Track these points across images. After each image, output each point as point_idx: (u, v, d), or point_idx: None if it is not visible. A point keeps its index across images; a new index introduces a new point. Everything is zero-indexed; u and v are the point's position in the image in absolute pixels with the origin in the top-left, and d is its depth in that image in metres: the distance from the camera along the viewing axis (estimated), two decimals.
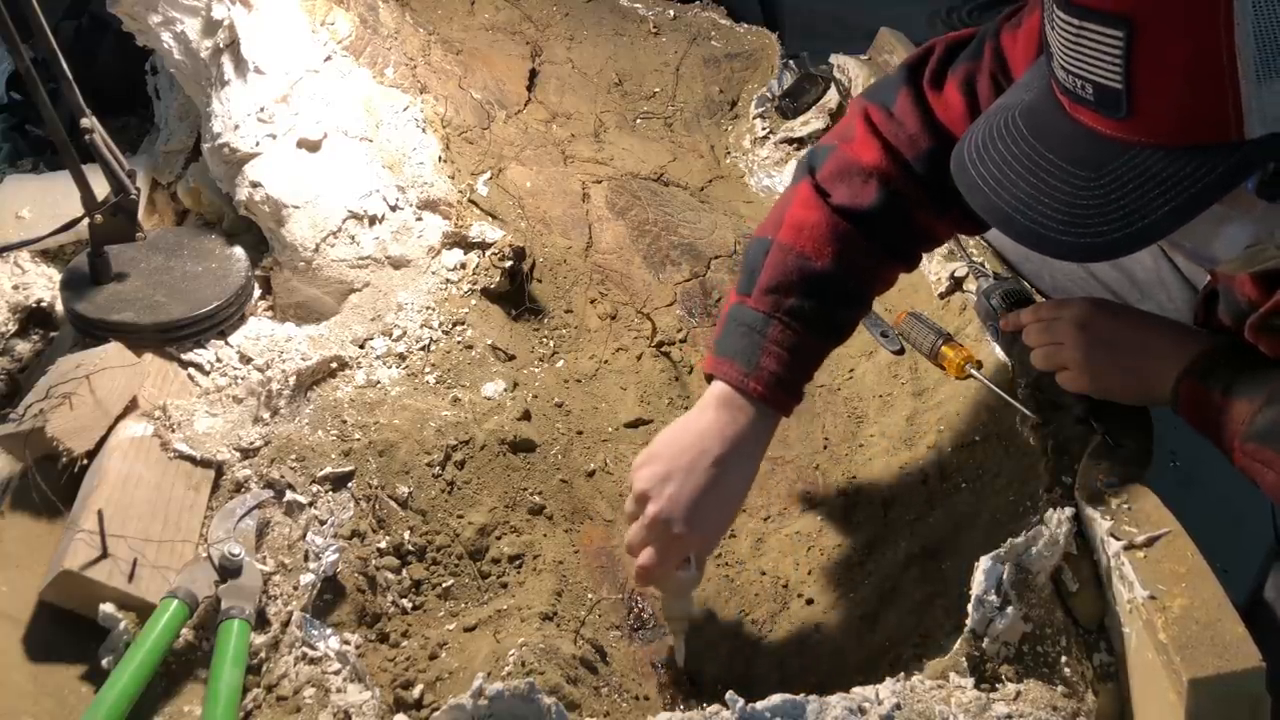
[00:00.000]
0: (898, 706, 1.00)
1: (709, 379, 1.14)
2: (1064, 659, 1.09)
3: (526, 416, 1.34)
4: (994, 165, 0.86)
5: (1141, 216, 0.79)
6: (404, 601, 1.16)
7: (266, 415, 1.26)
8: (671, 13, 2.12)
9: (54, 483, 1.11)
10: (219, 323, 1.35)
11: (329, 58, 1.57)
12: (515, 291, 1.49)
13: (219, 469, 1.20)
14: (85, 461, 1.14)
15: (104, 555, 1.03)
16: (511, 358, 1.42)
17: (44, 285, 1.43)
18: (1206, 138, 0.76)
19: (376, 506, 1.20)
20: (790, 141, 1.85)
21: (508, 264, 1.46)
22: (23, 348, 1.39)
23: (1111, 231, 0.80)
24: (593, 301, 1.56)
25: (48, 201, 1.49)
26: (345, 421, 1.26)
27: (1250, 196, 0.80)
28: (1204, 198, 0.78)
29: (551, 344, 1.49)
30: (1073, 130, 0.82)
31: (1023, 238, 0.84)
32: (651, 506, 1.08)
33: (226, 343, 1.35)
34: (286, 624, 1.06)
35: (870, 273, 1.18)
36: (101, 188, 1.28)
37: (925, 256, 1.51)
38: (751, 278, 1.15)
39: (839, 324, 1.17)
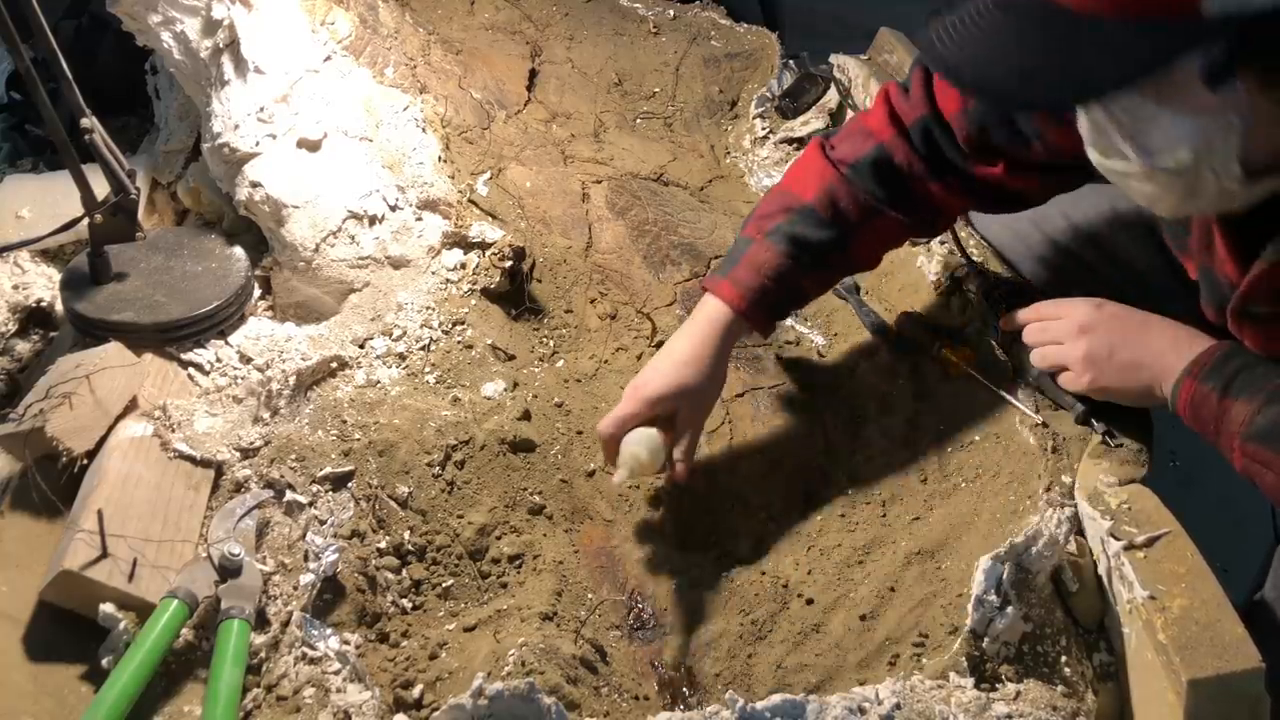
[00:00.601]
0: (898, 706, 1.00)
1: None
2: (1064, 659, 1.09)
3: (526, 416, 1.34)
4: (956, 28, 0.91)
5: (1084, 77, 0.84)
6: (404, 601, 1.16)
7: (266, 415, 1.26)
8: (671, 13, 2.11)
9: (54, 483, 1.11)
10: (219, 323, 1.35)
11: (329, 58, 1.57)
12: (515, 291, 1.49)
13: (219, 469, 1.20)
14: (85, 461, 1.14)
15: (104, 555, 1.03)
16: (511, 358, 1.42)
17: (44, 285, 1.43)
18: (1162, 11, 0.80)
19: (376, 506, 1.20)
20: (790, 141, 1.85)
21: (508, 264, 1.46)
22: (23, 348, 1.39)
23: (1053, 89, 0.86)
24: (593, 301, 1.56)
25: (48, 201, 1.49)
26: (345, 421, 1.26)
27: (1194, 87, 0.83)
28: (1148, 67, 0.82)
29: (551, 344, 1.49)
30: (1036, 2, 0.86)
31: (967, 89, 0.92)
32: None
33: (226, 343, 1.35)
34: (286, 624, 1.06)
35: (854, 216, 1.28)
36: (101, 188, 1.28)
37: (925, 256, 1.52)
38: (752, 213, 1.33)
39: (814, 249, 1.27)
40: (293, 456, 1.21)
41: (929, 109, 1.25)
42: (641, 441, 1.21)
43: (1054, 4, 0.85)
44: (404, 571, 1.18)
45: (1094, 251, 1.40)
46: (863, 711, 1.00)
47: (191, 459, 1.19)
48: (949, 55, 0.90)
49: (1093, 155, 0.98)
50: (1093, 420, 1.24)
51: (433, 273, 1.47)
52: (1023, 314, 1.29)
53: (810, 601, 1.21)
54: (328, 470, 1.21)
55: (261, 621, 1.07)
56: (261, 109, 1.45)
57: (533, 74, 1.90)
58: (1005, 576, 1.08)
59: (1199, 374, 1.09)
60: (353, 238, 1.44)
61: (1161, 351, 1.14)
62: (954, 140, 1.25)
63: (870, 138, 1.28)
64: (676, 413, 1.24)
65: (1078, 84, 0.85)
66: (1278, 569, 1.24)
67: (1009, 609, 1.08)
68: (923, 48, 0.95)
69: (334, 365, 1.33)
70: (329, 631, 1.07)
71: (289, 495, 1.18)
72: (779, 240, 1.27)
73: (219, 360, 1.32)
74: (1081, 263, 1.41)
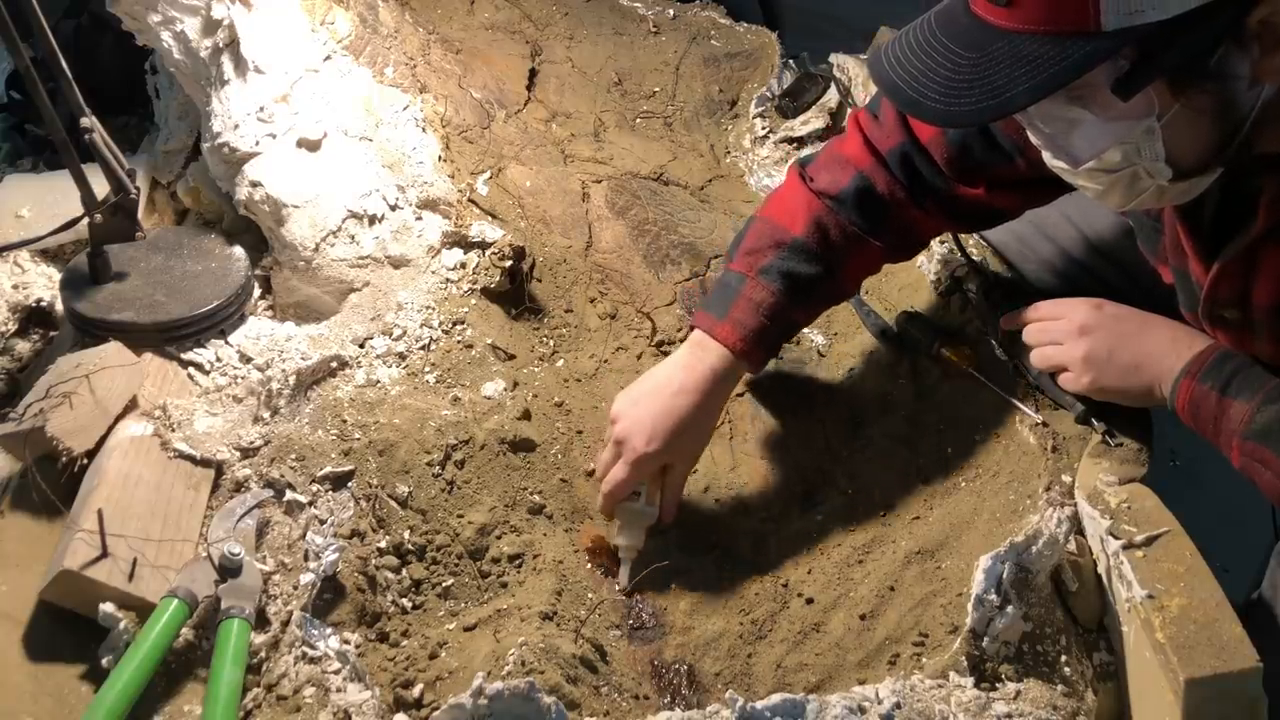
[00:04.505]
0: (897, 706, 1.00)
1: (691, 331, 1.31)
2: (1064, 658, 1.09)
3: (526, 416, 1.34)
4: (900, 50, 0.97)
5: (1004, 91, 0.89)
6: (404, 601, 1.16)
7: (266, 415, 1.26)
8: (671, 12, 2.11)
9: (54, 482, 1.11)
10: (219, 322, 1.35)
11: (329, 57, 1.57)
12: (515, 291, 1.49)
13: (219, 468, 1.20)
14: (85, 461, 1.14)
15: (104, 555, 1.03)
16: (511, 357, 1.42)
17: (44, 285, 1.43)
18: (1070, 26, 0.86)
19: (376, 506, 1.20)
20: (790, 141, 1.85)
21: (507, 263, 1.46)
22: (23, 347, 1.39)
23: (977, 102, 0.90)
24: (593, 301, 1.56)
25: (48, 201, 1.49)
26: (345, 421, 1.26)
27: (1106, 95, 0.89)
28: (1060, 78, 0.87)
29: (551, 343, 1.49)
30: (969, 22, 0.93)
31: (905, 106, 0.96)
32: (617, 427, 1.25)
33: (226, 342, 1.35)
34: (286, 623, 1.06)
35: (842, 248, 1.29)
36: (101, 187, 1.28)
37: (925, 256, 1.52)
38: (736, 246, 1.32)
39: (806, 284, 1.28)
40: (293, 456, 1.21)
41: (905, 135, 1.26)
42: (639, 525, 1.24)
43: (982, 20, 0.91)
44: (404, 571, 1.18)
45: (1100, 258, 1.40)
46: (863, 711, 1.00)
47: (191, 459, 1.19)
48: (892, 73, 0.95)
49: (1045, 157, 1.02)
50: (1093, 420, 1.24)
51: (433, 272, 1.47)
52: (1023, 314, 1.29)
53: (810, 601, 1.21)
54: (328, 470, 1.21)
55: (261, 621, 1.07)
56: (261, 109, 1.45)
57: (533, 73, 1.90)
58: (1005, 576, 1.08)
59: (1197, 374, 1.10)
60: (353, 237, 1.44)
61: (1161, 352, 1.14)
62: (933, 164, 1.27)
63: (849, 166, 1.29)
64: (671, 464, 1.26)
65: (999, 99, 0.89)
66: (1275, 569, 1.24)
67: (1009, 608, 1.08)
68: (871, 65, 0.99)
69: (334, 365, 1.33)
70: (329, 631, 1.07)
71: (289, 495, 1.18)
72: (773, 278, 1.27)
73: (219, 360, 1.33)
74: (1088, 269, 1.41)
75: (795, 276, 1.27)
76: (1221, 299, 1.06)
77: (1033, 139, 1.02)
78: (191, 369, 1.31)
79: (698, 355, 1.27)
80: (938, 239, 1.52)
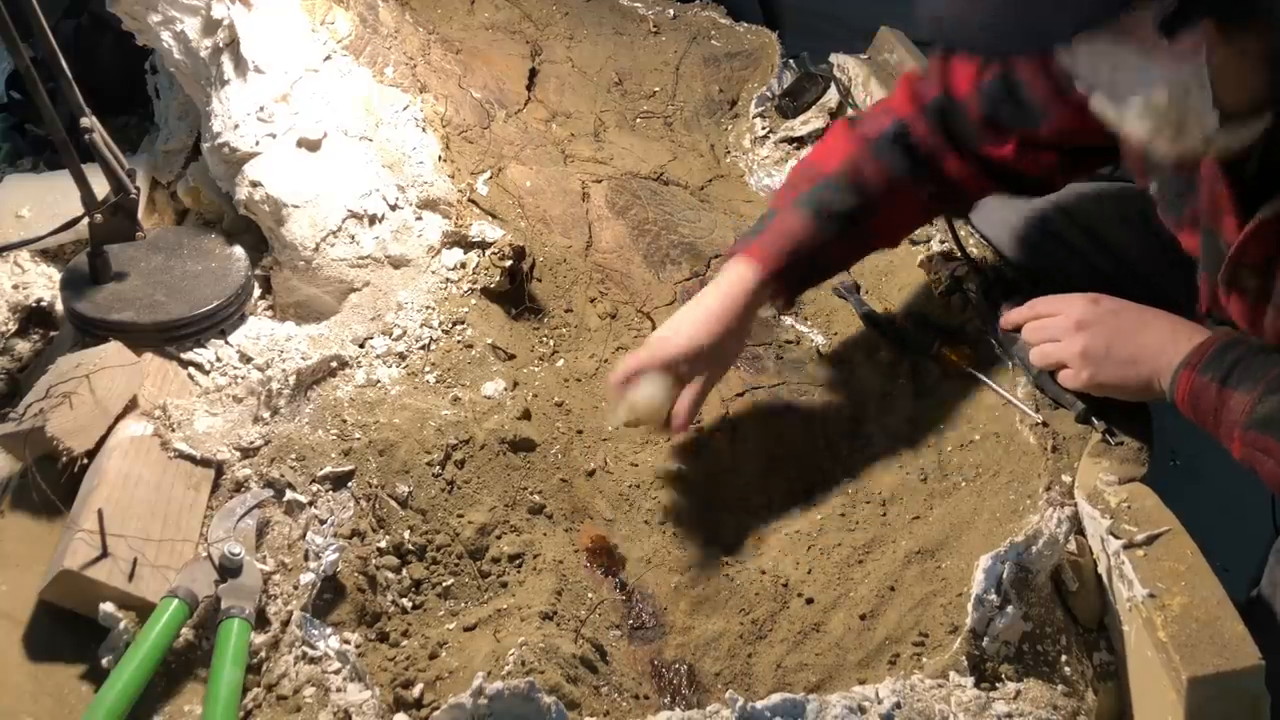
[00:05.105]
0: (897, 705, 1.00)
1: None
2: (1064, 658, 1.09)
3: (526, 416, 1.34)
4: None
5: (1042, 27, 0.90)
6: (404, 601, 1.16)
7: (266, 415, 1.26)
8: (671, 12, 2.11)
9: (54, 482, 1.11)
10: (219, 322, 1.35)
11: (329, 57, 1.57)
12: (515, 291, 1.49)
13: (219, 468, 1.20)
14: (85, 461, 1.14)
15: (104, 555, 1.03)
16: (511, 357, 1.42)
17: (44, 285, 1.44)
18: None
19: (376, 506, 1.20)
20: (790, 140, 1.85)
21: (508, 263, 1.46)
22: (23, 347, 1.39)
23: (1017, 38, 0.92)
24: (593, 301, 1.56)
25: (48, 201, 1.49)
26: (345, 421, 1.26)
27: (1153, 34, 0.88)
28: (1097, 16, 0.88)
29: (551, 343, 1.49)
30: None
31: (945, 41, 1.01)
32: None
33: (226, 342, 1.35)
34: (286, 623, 1.06)
35: (878, 188, 1.31)
36: (101, 187, 1.28)
37: (925, 254, 1.52)
38: (778, 189, 1.38)
39: (840, 217, 1.30)
40: (293, 456, 1.21)
41: (942, 91, 1.30)
42: (645, 384, 1.24)
43: None
44: (404, 571, 1.18)
45: (1083, 237, 1.40)
46: (863, 711, 1.00)
47: (191, 458, 1.19)
48: (935, 10, 0.96)
49: (1091, 103, 1.01)
50: (1093, 419, 1.24)
51: (433, 272, 1.47)
52: (1020, 312, 1.29)
53: (810, 601, 1.21)
54: (328, 470, 1.21)
55: (261, 621, 1.07)
56: (261, 108, 1.45)
57: (533, 73, 1.90)
58: (1005, 576, 1.08)
59: (1198, 365, 1.10)
60: (353, 237, 1.44)
61: (1159, 345, 1.14)
62: (967, 120, 1.29)
63: (890, 114, 1.33)
64: (691, 371, 1.26)
65: (1037, 34, 0.90)
66: (1274, 566, 1.24)
67: (1009, 608, 1.08)
68: (918, 4, 0.99)
69: (334, 365, 1.33)
70: (329, 631, 1.07)
71: (289, 495, 1.18)
72: (805, 206, 1.30)
73: (219, 360, 1.33)
74: (1072, 249, 1.41)
75: (827, 207, 1.30)
76: (1248, 260, 1.04)
77: (1076, 83, 1.02)
78: (191, 369, 1.31)
79: (725, 276, 1.30)
80: (938, 239, 1.52)
